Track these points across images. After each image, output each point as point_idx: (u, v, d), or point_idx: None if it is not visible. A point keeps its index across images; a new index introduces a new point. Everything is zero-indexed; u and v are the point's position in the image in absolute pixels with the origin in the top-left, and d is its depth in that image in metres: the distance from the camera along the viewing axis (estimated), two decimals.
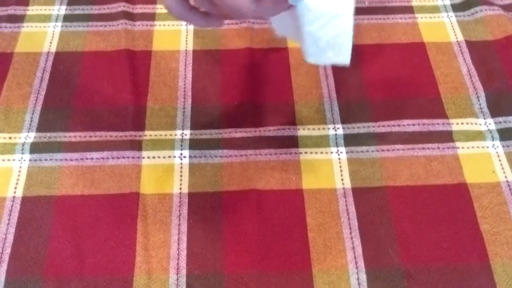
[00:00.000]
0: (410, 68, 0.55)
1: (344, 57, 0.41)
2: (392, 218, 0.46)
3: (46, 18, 0.59)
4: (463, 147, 0.50)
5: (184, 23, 0.59)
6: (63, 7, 0.60)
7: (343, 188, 0.48)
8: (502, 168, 0.49)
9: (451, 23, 0.59)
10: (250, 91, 0.54)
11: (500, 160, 0.49)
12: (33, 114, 0.52)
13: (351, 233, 0.45)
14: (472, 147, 0.50)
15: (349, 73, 0.55)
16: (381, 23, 0.59)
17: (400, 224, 0.46)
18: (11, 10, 0.60)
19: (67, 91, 0.53)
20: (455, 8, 0.60)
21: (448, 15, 0.60)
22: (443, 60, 0.56)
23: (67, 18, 0.59)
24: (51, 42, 0.57)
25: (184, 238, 0.45)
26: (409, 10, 0.60)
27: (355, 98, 0.53)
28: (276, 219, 0.46)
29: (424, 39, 0.58)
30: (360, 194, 0.47)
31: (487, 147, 0.50)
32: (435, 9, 0.60)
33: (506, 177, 0.48)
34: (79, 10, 0.60)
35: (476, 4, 0.59)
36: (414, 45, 0.57)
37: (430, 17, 0.59)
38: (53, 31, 0.58)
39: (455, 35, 0.58)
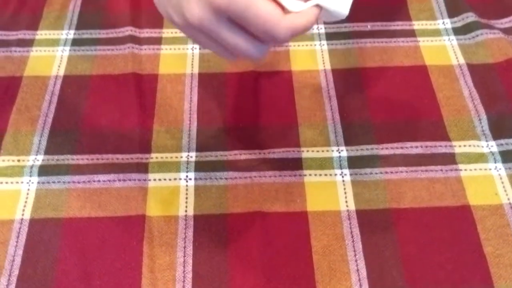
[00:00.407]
0: (413, 90, 0.56)
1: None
2: (396, 240, 0.46)
3: (54, 42, 0.60)
4: (465, 169, 0.50)
5: (189, 46, 0.60)
6: (72, 32, 0.61)
7: (347, 210, 0.48)
8: (505, 190, 0.49)
9: (453, 46, 0.60)
10: (255, 113, 0.55)
11: (502, 182, 0.49)
12: (41, 137, 0.53)
13: (355, 255, 0.45)
14: (475, 169, 0.50)
15: (353, 96, 0.56)
16: (383, 46, 0.60)
17: (404, 246, 0.46)
18: (21, 34, 0.61)
19: (75, 114, 0.54)
20: (456, 31, 0.61)
21: (449, 38, 0.60)
22: (445, 82, 0.57)
23: (75, 42, 0.60)
24: (59, 66, 0.58)
25: (189, 260, 0.45)
26: (411, 33, 0.61)
27: (359, 120, 0.54)
28: (281, 242, 0.46)
29: (426, 62, 0.58)
30: (364, 216, 0.48)
31: (490, 169, 0.50)
32: (436, 33, 0.61)
33: (508, 199, 0.48)
34: (87, 34, 0.61)
35: (476, 27, 0.60)
36: (416, 68, 0.58)
37: (432, 41, 0.60)
38: (62, 55, 0.59)
39: (457, 58, 0.59)
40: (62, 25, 0.62)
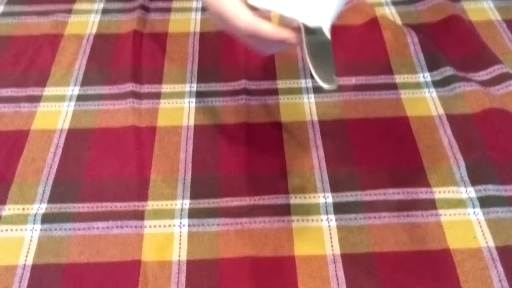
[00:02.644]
0: (395, 140, 0.60)
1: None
2: (379, 283, 0.48)
3: (61, 98, 0.65)
4: (445, 214, 0.53)
5: (186, 100, 0.64)
6: (77, 88, 0.66)
7: (333, 254, 0.51)
8: (483, 234, 0.51)
9: (432, 98, 0.63)
10: (246, 162, 0.58)
11: (481, 227, 0.52)
12: (45, 186, 0.56)
13: None
14: (454, 214, 0.53)
15: (338, 145, 0.59)
16: (367, 99, 0.64)
17: None
18: (30, 91, 0.66)
19: (77, 164, 0.58)
20: (436, 84, 0.65)
21: (429, 90, 0.64)
22: (425, 132, 0.60)
23: (80, 98, 0.65)
24: (64, 120, 0.62)
25: None
26: (393, 86, 0.65)
27: (344, 168, 0.57)
28: (270, 285, 0.49)
29: (407, 113, 0.62)
30: (348, 260, 0.50)
31: (469, 214, 0.53)
32: (417, 86, 0.65)
33: (487, 242, 0.51)
34: (91, 90, 0.66)
35: (455, 80, 0.64)
36: (398, 118, 0.62)
37: (413, 93, 0.64)
38: (67, 110, 0.64)
39: (436, 109, 0.62)
40: (68, 82, 0.67)
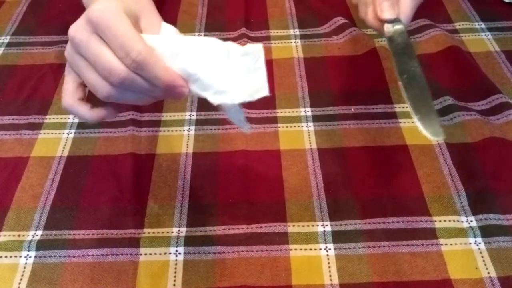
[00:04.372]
0: (394, 168, 0.59)
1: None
2: None
3: (61, 126, 0.65)
4: (446, 244, 0.52)
5: (186, 128, 0.65)
6: None
7: (331, 284, 0.49)
8: (485, 264, 0.50)
9: None
10: (244, 190, 0.58)
11: (482, 257, 0.51)
12: (42, 213, 0.56)
13: None
14: (455, 244, 0.52)
15: (337, 173, 0.59)
16: (366, 128, 0.64)
17: None
18: (31, 118, 0.66)
19: (75, 191, 0.58)
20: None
21: None
22: (425, 161, 0.60)
23: (80, 125, 0.65)
24: (64, 147, 0.63)
25: None
26: (393, 115, 0.65)
27: (343, 196, 0.57)
28: None
29: (407, 141, 0.62)
30: None
31: (470, 243, 0.52)
32: None
33: (489, 273, 0.49)
34: None
35: (454, 110, 0.64)
36: (397, 147, 0.61)
37: (413, 122, 0.63)
38: (67, 137, 0.64)
39: None
40: None
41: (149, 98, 0.40)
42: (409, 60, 0.42)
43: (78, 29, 0.38)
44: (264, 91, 0.41)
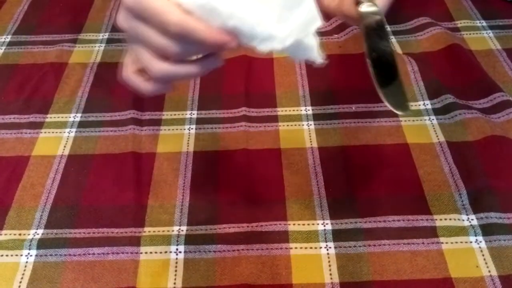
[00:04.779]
0: (395, 167, 0.59)
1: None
2: None
3: (62, 125, 0.65)
4: (447, 243, 0.52)
5: (187, 126, 0.65)
6: (79, 115, 0.67)
7: (332, 283, 0.49)
8: (486, 263, 0.50)
9: (433, 126, 0.63)
10: (245, 188, 0.58)
11: (483, 255, 0.51)
12: (42, 212, 0.56)
13: None
14: (456, 242, 0.52)
15: (338, 172, 0.59)
16: (367, 126, 0.64)
17: None
18: (32, 117, 0.66)
19: (75, 190, 0.58)
20: (437, 112, 0.65)
21: (430, 118, 0.64)
22: (426, 159, 0.60)
23: (81, 125, 0.65)
24: (65, 146, 0.63)
25: None
26: (394, 114, 0.64)
27: (343, 195, 0.57)
28: None
29: (407, 140, 0.62)
30: None
31: (471, 242, 0.52)
32: (418, 113, 0.65)
33: (489, 271, 0.49)
34: (92, 117, 0.66)
35: (455, 108, 0.64)
36: (398, 146, 0.61)
37: (413, 120, 0.64)
38: (68, 136, 0.64)
39: (437, 136, 0.62)
40: (70, 109, 0.67)
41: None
42: (379, 40, 0.41)
43: (123, 19, 0.39)
44: (317, 21, 0.38)
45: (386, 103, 0.41)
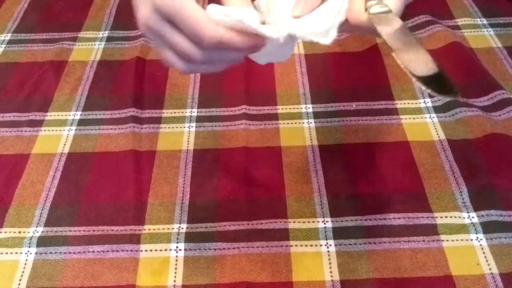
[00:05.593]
0: (395, 165, 0.59)
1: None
2: None
3: (62, 123, 0.65)
4: (447, 240, 0.52)
5: (187, 125, 0.65)
6: (79, 113, 0.67)
7: (332, 281, 0.49)
8: (487, 261, 0.50)
9: (434, 123, 0.63)
10: (245, 186, 0.58)
11: (484, 253, 0.51)
12: (42, 210, 0.56)
13: None
14: (457, 240, 0.52)
15: (338, 170, 0.59)
16: (367, 124, 0.63)
17: None
18: (32, 115, 0.66)
19: (75, 188, 0.58)
20: (437, 109, 0.65)
21: (430, 116, 0.64)
22: (426, 157, 0.59)
23: (81, 123, 0.65)
24: (65, 144, 0.63)
25: None
26: (394, 112, 0.65)
27: (344, 193, 0.56)
28: None
29: (408, 138, 0.62)
30: (348, 286, 0.49)
31: (471, 239, 0.52)
32: (418, 111, 0.65)
33: (490, 269, 0.49)
34: (92, 115, 0.66)
35: (456, 106, 0.64)
36: (399, 143, 0.61)
37: (414, 118, 0.64)
38: (68, 134, 0.64)
39: (438, 134, 0.62)
40: (71, 107, 0.67)
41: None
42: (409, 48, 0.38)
43: (149, 18, 0.38)
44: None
45: (435, 94, 0.37)
